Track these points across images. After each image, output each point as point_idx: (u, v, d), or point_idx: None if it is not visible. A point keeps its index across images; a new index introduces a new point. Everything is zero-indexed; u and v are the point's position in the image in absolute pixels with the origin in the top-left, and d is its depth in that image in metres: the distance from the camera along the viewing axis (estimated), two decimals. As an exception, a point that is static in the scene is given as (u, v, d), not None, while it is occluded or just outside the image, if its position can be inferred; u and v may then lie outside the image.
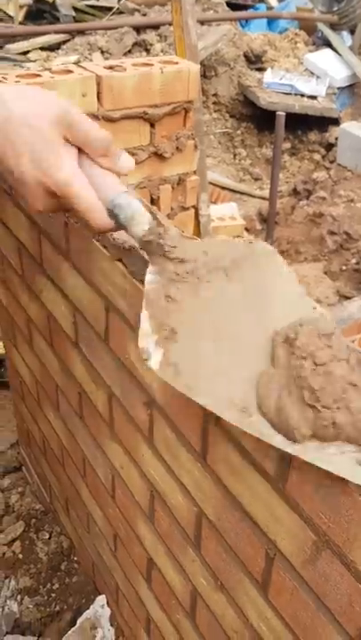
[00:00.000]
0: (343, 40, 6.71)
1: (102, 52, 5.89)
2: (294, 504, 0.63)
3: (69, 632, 1.51)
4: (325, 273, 3.79)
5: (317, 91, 5.99)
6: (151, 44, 5.97)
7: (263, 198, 5.00)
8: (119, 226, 0.69)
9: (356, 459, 0.51)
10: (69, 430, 1.36)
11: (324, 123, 5.94)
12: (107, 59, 5.70)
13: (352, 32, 6.75)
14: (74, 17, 6.74)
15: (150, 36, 6.08)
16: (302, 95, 5.97)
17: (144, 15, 6.73)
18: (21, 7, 6.54)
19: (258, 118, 6.06)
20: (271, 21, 7.27)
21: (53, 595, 1.71)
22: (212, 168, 5.44)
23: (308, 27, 7.05)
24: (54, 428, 1.49)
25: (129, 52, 5.95)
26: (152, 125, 1.53)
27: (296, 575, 0.67)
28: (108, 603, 1.54)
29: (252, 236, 4.28)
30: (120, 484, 1.15)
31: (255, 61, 6.43)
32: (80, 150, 0.68)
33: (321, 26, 6.88)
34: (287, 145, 5.88)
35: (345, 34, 6.79)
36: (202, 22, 6.06)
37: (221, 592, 0.87)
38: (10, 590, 1.71)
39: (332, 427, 0.52)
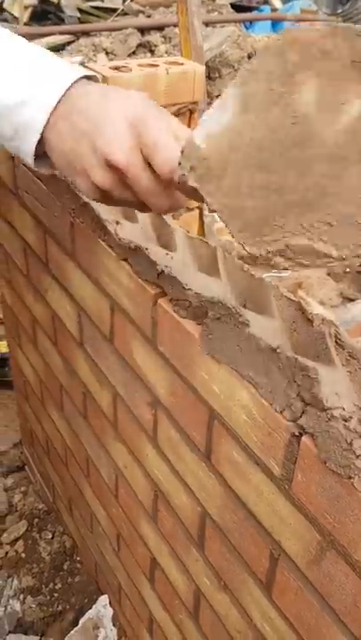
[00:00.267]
0: (348, 42, 6.71)
1: (107, 54, 5.91)
2: (299, 504, 0.63)
3: (72, 632, 1.51)
4: (329, 275, 3.78)
5: (321, 92, 5.99)
6: (156, 46, 5.98)
7: (267, 200, 4.99)
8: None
9: None
10: (73, 430, 1.37)
11: (328, 124, 5.94)
12: (111, 60, 5.71)
13: (356, 34, 6.75)
14: (79, 18, 6.76)
15: (155, 37, 6.09)
16: (306, 97, 5.98)
17: (149, 17, 6.74)
18: (26, 8, 6.56)
19: (262, 120, 6.07)
20: (275, 23, 7.27)
21: (56, 594, 1.71)
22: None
23: (312, 29, 7.05)
24: (58, 428, 1.49)
25: (133, 53, 5.95)
26: (157, 126, 1.53)
27: (301, 575, 0.67)
28: (110, 603, 1.54)
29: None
30: (123, 484, 1.15)
31: (259, 63, 6.43)
32: None
33: (325, 28, 6.88)
34: (291, 147, 5.88)
35: (349, 36, 6.79)
36: (206, 24, 6.07)
37: (225, 592, 0.87)
38: (12, 590, 1.72)
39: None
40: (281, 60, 0.45)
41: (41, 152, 0.65)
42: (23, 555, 1.82)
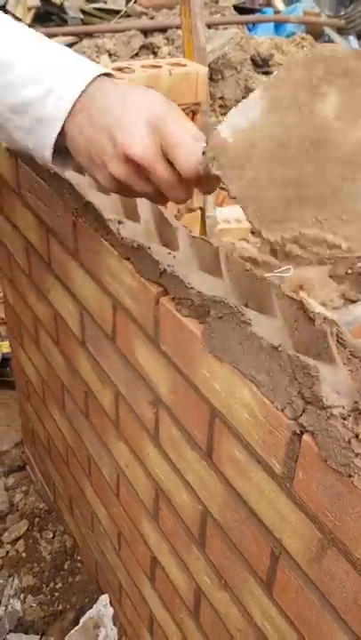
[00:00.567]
0: (350, 44, 6.72)
1: (110, 55, 5.92)
2: (300, 502, 0.63)
3: (72, 631, 1.51)
4: (331, 276, 3.78)
5: (324, 94, 5.99)
6: (158, 47, 5.99)
7: (269, 201, 5.00)
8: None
9: None
10: (75, 429, 1.37)
11: (331, 126, 5.94)
12: (114, 61, 5.72)
13: (359, 36, 6.77)
14: (82, 19, 6.77)
15: (158, 39, 6.11)
16: (309, 99, 5.98)
17: (152, 18, 6.76)
18: (29, 9, 6.58)
19: (264, 122, 6.07)
20: (278, 25, 7.29)
21: (56, 594, 1.72)
22: (217, 171, 5.44)
23: (315, 31, 7.07)
24: (59, 427, 1.50)
25: (136, 54, 5.97)
26: (160, 127, 1.54)
27: (301, 573, 0.67)
28: (111, 602, 1.54)
29: (258, 239, 4.27)
30: (125, 483, 1.15)
31: (262, 65, 6.44)
32: None
33: (328, 30, 6.90)
34: (293, 148, 5.88)
35: (352, 38, 6.81)
36: (209, 26, 6.08)
37: (225, 591, 0.88)
38: (13, 589, 1.72)
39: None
40: (308, 73, 0.51)
41: (58, 146, 0.67)
42: (24, 554, 1.82)
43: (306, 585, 0.67)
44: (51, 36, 6.03)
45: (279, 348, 0.61)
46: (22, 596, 1.71)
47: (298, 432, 0.60)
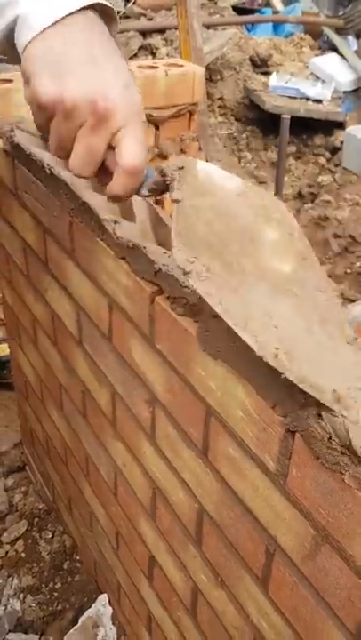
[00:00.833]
0: (349, 44, 6.73)
1: (108, 56, 5.92)
2: (294, 499, 0.64)
3: (71, 630, 1.51)
4: (330, 276, 3.79)
5: (323, 94, 6.00)
6: (157, 48, 6.00)
7: (268, 201, 5.00)
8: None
9: None
10: (73, 429, 1.37)
11: (330, 126, 5.95)
12: (113, 62, 5.71)
13: (358, 36, 6.77)
14: (80, 21, 6.77)
15: (156, 40, 6.11)
16: (308, 99, 5.99)
17: (150, 19, 6.76)
18: (29, 11, 6.58)
19: (263, 122, 6.08)
20: (277, 25, 7.30)
21: (56, 593, 1.72)
22: (217, 171, 5.44)
23: (313, 31, 7.07)
24: (58, 427, 1.50)
25: (135, 55, 5.98)
26: (157, 127, 1.54)
27: (296, 570, 0.68)
28: (109, 601, 1.55)
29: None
30: (122, 482, 1.16)
31: (261, 65, 6.45)
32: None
33: (327, 30, 6.90)
34: (292, 148, 5.89)
35: (351, 38, 6.81)
36: (208, 26, 6.09)
37: (222, 588, 0.88)
38: (12, 589, 1.72)
39: None
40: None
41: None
42: (23, 554, 1.82)
43: (300, 582, 0.68)
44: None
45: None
46: (22, 595, 1.71)
47: (290, 429, 0.60)
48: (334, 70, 6.33)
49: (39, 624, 1.65)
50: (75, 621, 1.58)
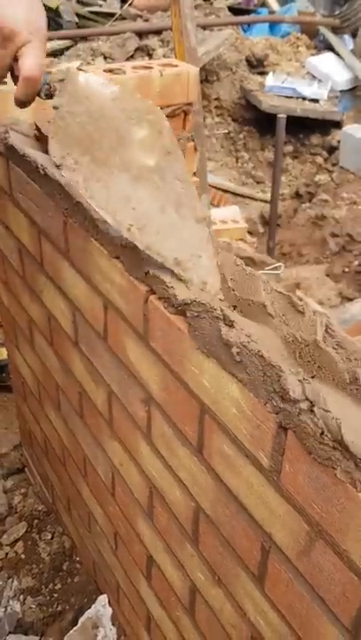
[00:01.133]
0: (345, 43, 6.74)
1: (105, 58, 5.94)
2: (288, 495, 0.64)
3: (71, 631, 1.51)
4: (328, 275, 3.79)
5: (319, 94, 6.01)
6: (153, 49, 6.01)
7: (265, 201, 5.02)
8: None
9: None
10: (70, 430, 1.37)
11: (327, 126, 5.95)
12: (109, 64, 5.73)
13: (354, 35, 6.78)
14: (77, 23, 6.79)
15: (152, 41, 6.12)
16: (304, 98, 6.00)
17: (146, 21, 6.77)
18: (25, 14, 6.59)
19: (260, 122, 6.09)
20: (273, 25, 7.31)
21: (55, 595, 1.72)
22: (214, 171, 5.46)
23: (309, 30, 7.08)
24: (55, 428, 1.50)
25: (131, 57, 5.99)
26: (152, 127, 1.54)
27: (291, 567, 0.68)
28: (109, 602, 1.55)
29: (254, 238, 4.29)
30: (120, 482, 1.16)
31: (257, 65, 6.46)
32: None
33: (323, 29, 6.91)
34: (289, 148, 5.90)
35: (347, 37, 6.82)
36: (204, 27, 6.10)
37: (219, 587, 0.88)
38: (12, 590, 1.72)
39: None
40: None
41: None
42: (23, 556, 1.82)
43: (296, 578, 0.68)
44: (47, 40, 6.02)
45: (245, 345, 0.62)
46: (22, 597, 1.71)
47: (283, 425, 0.61)
48: (331, 69, 6.34)
49: (39, 625, 1.65)
50: (74, 622, 1.58)
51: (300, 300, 0.71)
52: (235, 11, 7.23)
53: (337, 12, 7.05)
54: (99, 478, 1.28)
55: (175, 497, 0.92)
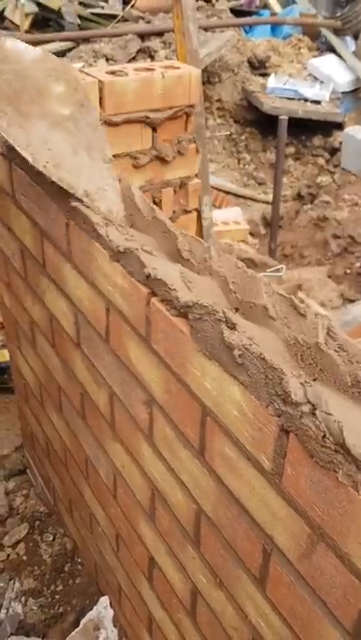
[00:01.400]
0: (347, 45, 6.73)
1: (107, 59, 5.94)
2: (289, 498, 0.64)
3: (73, 633, 1.51)
4: (329, 276, 3.79)
5: (321, 95, 6.01)
6: (155, 51, 6.01)
7: (267, 203, 5.02)
8: None
9: None
10: (72, 431, 1.38)
11: (328, 127, 5.95)
12: (111, 66, 5.74)
13: (356, 37, 6.77)
14: (79, 25, 6.80)
15: (155, 43, 6.13)
16: (306, 100, 6.00)
17: (148, 22, 6.78)
18: (27, 15, 6.61)
19: (262, 123, 6.09)
20: (275, 27, 7.31)
21: (57, 596, 1.72)
22: (216, 173, 5.46)
23: (311, 32, 7.09)
24: (57, 430, 1.50)
25: (133, 58, 5.99)
26: (154, 129, 1.54)
27: (293, 570, 0.68)
28: (110, 603, 1.55)
29: (256, 240, 4.29)
30: (122, 484, 1.16)
31: (259, 67, 6.46)
32: None
33: (325, 31, 6.91)
34: (291, 150, 5.90)
35: (348, 39, 6.81)
36: (206, 29, 6.10)
37: (220, 589, 0.88)
38: (14, 592, 1.72)
39: None
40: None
41: None
42: (25, 557, 1.82)
43: (297, 581, 0.68)
44: (49, 41, 6.05)
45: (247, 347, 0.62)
46: (23, 598, 1.71)
47: (285, 428, 0.61)
48: (333, 71, 6.34)
49: (41, 627, 1.65)
50: (76, 624, 1.58)
51: (302, 302, 0.71)
52: (236, 12, 7.24)
53: (339, 14, 7.05)
54: (100, 480, 1.28)
55: (177, 499, 0.92)
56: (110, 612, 1.53)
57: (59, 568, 1.79)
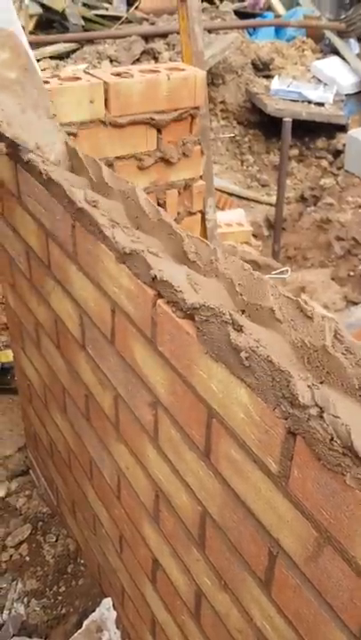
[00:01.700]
0: (351, 47, 6.74)
1: (111, 61, 5.96)
2: (296, 501, 0.64)
3: (75, 635, 1.51)
4: (333, 279, 3.79)
5: (325, 98, 6.01)
6: (159, 53, 6.02)
7: (270, 204, 5.02)
8: None
9: None
10: (76, 432, 1.38)
11: (332, 129, 5.96)
12: (116, 67, 5.75)
13: (359, 39, 6.78)
14: (83, 26, 6.82)
15: (158, 44, 6.14)
16: (310, 102, 6.00)
17: (152, 24, 6.79)
18: (31, 17, 6.63)
19: (265, 125, 6.09)
20: (279, 29, 7.32)
21: (60, 597, 1.72)
22: (219, 174, 5.46)
23: (315, 34, 7.09)
24: (61, 431, 1.50)
25: (137, 60, 6.00)
26: (159, 131, 1.55)
27: (299, 573, 0.68)
28: (113, 605, 1.54)
29: (259, 241, 4.29)
30: (126, 485, 1.16)
31: (263, 69, 6.47)
32: None
33: (328, 33, 6.92)
34: (295, 152, 5.90)
35: (352, 41, 6.82)
36: (210, 30, 6.11)
37: (225, 592, 0.88)
38: (17, 593, 1.72)
39: None
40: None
41: None
42: (27, 558, 1.82)
43: (303, 584, 0.67)
44: (53, 42, 6.07)
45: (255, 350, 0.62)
46: (26, 599, 1.71)
47: (292, 431, 0.60)
48: (336, 73, 6.34)
49: (43, 628, 1.65)
50: (79, 625, 1.57)
51: (308, 304, 0.71)
52: (241, 14, 7.25)
53: (342, 16, 7.06)
54: (104, 481, 1.28)
55: (182, 501, 0.92)
56: (113, 614, 1.53)
57: (61, 569, 1.79)
